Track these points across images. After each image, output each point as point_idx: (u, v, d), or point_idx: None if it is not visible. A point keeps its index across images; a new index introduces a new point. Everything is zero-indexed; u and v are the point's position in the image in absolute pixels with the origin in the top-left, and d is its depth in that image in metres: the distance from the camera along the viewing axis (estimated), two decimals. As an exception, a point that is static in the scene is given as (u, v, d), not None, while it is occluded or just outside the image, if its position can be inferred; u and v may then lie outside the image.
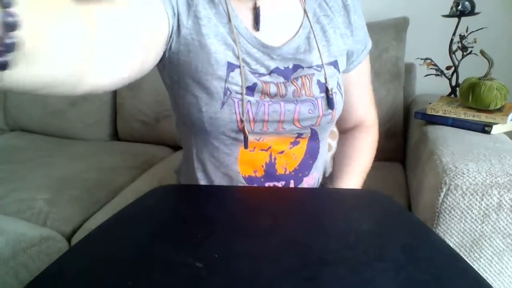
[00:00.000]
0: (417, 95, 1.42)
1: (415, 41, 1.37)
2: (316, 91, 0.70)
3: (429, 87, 1.39)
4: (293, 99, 0.69)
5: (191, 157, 0.77)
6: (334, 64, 0.72)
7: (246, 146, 0.70)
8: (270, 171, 0.74)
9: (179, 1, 0.64)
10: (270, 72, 0.68)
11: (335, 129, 1.24)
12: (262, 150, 0.73)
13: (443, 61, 1.21)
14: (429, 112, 1.04)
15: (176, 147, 1.58)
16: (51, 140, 1.64)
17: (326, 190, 0.72)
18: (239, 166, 0.73)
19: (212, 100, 0.66)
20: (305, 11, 0.72)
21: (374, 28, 1.35)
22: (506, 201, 0.69)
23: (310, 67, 0.70)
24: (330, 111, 0.71)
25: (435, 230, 0.73)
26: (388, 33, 1.30)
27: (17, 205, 1.11)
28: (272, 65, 0.68)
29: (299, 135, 0.74)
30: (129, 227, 0.56)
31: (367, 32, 0.79)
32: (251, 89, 0.67)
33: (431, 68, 1.23)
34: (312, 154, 0.76)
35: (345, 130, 0.88)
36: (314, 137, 0.75)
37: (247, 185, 0.74)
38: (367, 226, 0.54)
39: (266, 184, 0.74)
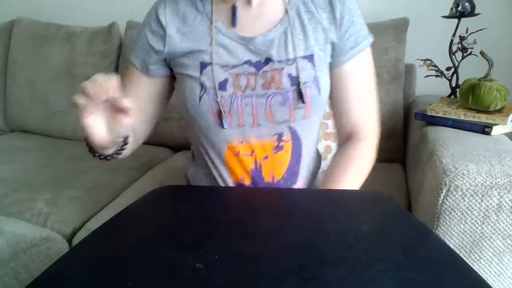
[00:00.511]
0: (417, 96, 1.42)
1: (415, 42, 1.37)
2: (286, 84, 0.73)
3: (429, 88, 1.39)
4: (263, 92, 0.73)
5: (199, 153, 0.84)
6: (309, 58, 0.74)
7: (223, 125, 0.74)
8: (257, 179, 0.76)
9: (158, 49, 0.76)
10: (243, 63, 0.74)
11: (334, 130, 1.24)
12: (246, 155, 0.76)
13: (443, 62, 1.21)
14: (429, 113, 1.04)
15: (176, 148, 1.58)
16: (51, 141, 1.64)
17: (326, 191, 0.72)
18: (228, 170, 0.78)
19: (191, 96, 0.75)
20: (286, 10, 0.75)
21: (374, 29, 1.33)
22: (506, 202, 0.69)
23: (280, 61, 0.73)
24: (302, 104, 0.73)
25: (435, 231, 0.73)
26: (388, 34, 1.30)
27: (17, 205, 1.11)
28: (245, 57, 0.74)
29: (280, 137, 0.75)
30: (129, 228, 0.56)
31: (361, 31, 0.77)
32: (223, 84, 0.73)
33: (431, 69, 1.23)
34: (297, 160, 0.78)
35: (342, 139, 0.84)
36: (296, 138, 0.77)
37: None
38: (367, 226, 0.54)
39: None
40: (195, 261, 0.45)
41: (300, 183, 0.80)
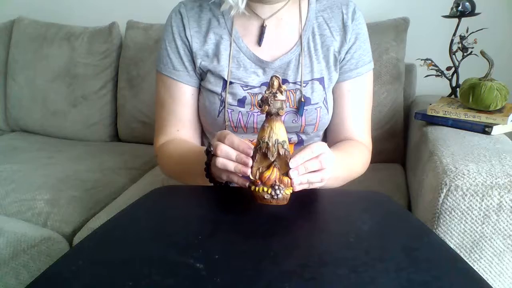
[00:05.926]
0: (418, 95, 1.42)
1: (416, 41, 1.36)
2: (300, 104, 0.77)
3: (430, 87, 1.39)
4: None
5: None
6: (320, 80, 0.79)
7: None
8: None
9: (186, 61, 0.80)
10: (260, 85, 0.78)
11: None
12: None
13: (444, 62, 1.21)
14: (429, 112, 1.04)
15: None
16: (51, 141, 1.64)
17: (327, 191, 0.72)
18: None
19: (211, 110, 0.79)
20: (300, 36, 0.79)
21: (374, 29, 1.35)
22: (506, 202, 0.69)
23: (295, 82, 0.78)
24: (312, 123, 0.79)
25: (435, 231, 0.73)
26: (388, 34, 1.30)
27: (18, 205, 1.11)
28: (263, 79, 0.78)
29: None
30: (129, 228, 0.56)
31: (364, 56, 0.81)
32: (241, 101, 0.78)
33: (431, 69, 1.22)
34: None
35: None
36: (300, 142, 0.83)
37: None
38: (367, 226, 0.54)
39: None
40: (195, 261, 0.45)
41: None
